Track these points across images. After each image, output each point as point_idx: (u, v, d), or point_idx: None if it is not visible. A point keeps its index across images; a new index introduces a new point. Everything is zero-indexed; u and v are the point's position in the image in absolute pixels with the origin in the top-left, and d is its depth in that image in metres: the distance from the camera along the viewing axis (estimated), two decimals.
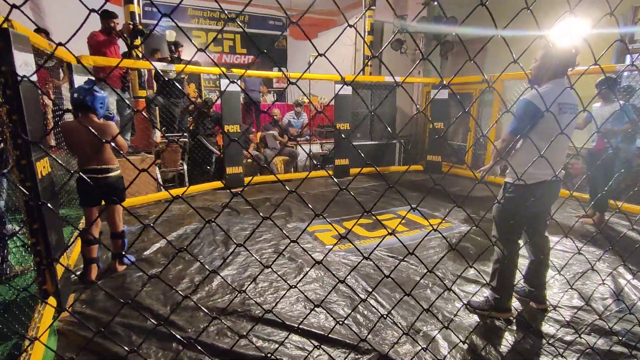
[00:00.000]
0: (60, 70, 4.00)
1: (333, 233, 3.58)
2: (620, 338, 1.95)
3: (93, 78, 3.44)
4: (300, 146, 6.27)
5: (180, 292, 1.09)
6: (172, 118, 5.34)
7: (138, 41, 4.45)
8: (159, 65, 4.78)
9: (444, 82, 1.13)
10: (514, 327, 2.15)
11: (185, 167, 5.10)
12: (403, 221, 3.98)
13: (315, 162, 6.38)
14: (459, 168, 6.55)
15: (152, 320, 1.02)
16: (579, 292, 1.94)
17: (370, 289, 2.51)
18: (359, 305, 2.34)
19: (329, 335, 2.01)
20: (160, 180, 4.93)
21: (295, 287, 1.16)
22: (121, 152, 0.89)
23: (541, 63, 2.04)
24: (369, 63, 6.68)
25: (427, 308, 1.42)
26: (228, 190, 5.09)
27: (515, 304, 2.38)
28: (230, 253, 3.06)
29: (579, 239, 3.45)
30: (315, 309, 2.28)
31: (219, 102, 5.61)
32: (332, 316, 1.30)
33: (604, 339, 2.02)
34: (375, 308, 2.33)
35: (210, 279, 2.63)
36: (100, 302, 2.35)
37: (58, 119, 3.60)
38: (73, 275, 2.50)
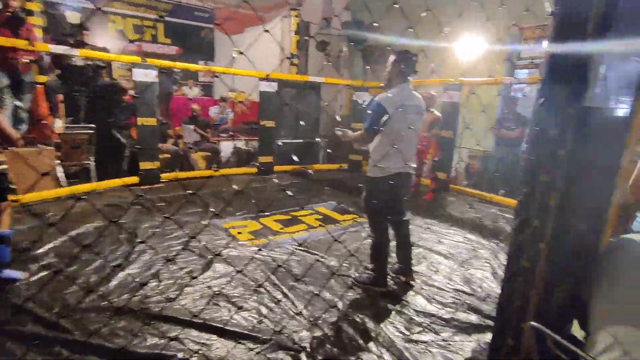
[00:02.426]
0: None
1: (248, 229, 3.58)
2: (487, 313, 2.26)
3: None
4: (230, 142, 6.14)
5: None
6: (77, 108, 4.88)
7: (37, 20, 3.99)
8: (60, 49, 4.33)
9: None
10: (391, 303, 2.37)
11: (91, 161, 4.70)
12: (319, 217, 4.11)
13: (252, 163, 6.29)
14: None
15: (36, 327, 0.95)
16: (467, 278, 2.20)
17: (277, 282, 2.57)
18: (264, 298, 2.39)
19: (229, 328, 2.02)
20: (61, 175, 4.47)
21: (196, 277, 1.15)
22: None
23: (390, 69, 2.37)
24: (295, 62, 6.75)
25: (317, 293, 1.50)
26: (141, 187, 4.80)
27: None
28: (131, 251, 2.92)
29: (470, 231, 3.88)
30: (219, 303, 2.28)
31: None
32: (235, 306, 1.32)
33: (476, 316, 2.32)
34: (281, 301, 2.39)
35: (108, 279, 2.48)
36: None
37: None
38: None
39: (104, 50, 5.27)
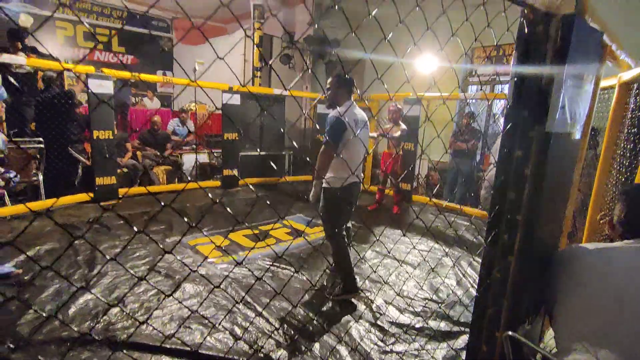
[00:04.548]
0: None
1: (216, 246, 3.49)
2: (455, 319, 2.36)
3: None
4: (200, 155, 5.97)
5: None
6: (23, 119, 4.53)
7: None
8: (5, 57, 4.02)
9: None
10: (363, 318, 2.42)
11: (40, 177, 4.37)
12: (288, 230, 4.10)
13: (216, 176, 6.14)
14: None
15: None
16: (432, 285, 2.29)
17: (250, 300, 2.53)
18: (237, 317, 2.34)
19: (203, 352, 1.96)
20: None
21: (171, 295, 1.11)
22: None
23: (333, 90, 2.57)
24: (258, 74, 6.75)
25: (295, 305, 1.50)
26: (97, 204, 4.52)
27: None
28: (95, 274, 2.75)
29: (434, 240, 4.04)
30: (191, 326, 2.20)
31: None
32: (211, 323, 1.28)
33: (445, 322, 2.42)
34: (255, 319, 2.35)
35: (67, 306, 2.31)
36: None
37: None
38: None
39: (48, 58, 4.94)
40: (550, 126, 1.08)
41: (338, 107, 2.55)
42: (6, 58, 4.01)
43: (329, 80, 2.63)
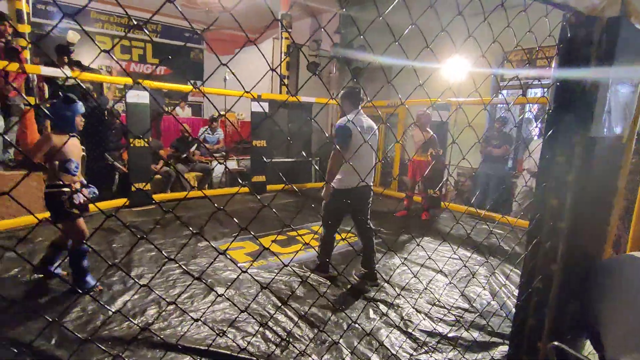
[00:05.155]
0: None
1: (246, 250, 3.56)
2: (490, 330, 2.29)
3: None
4: (222, 162, 6.13)
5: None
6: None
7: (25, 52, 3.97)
8: (51, 71, 4.29)
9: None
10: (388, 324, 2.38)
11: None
12: (316, 236, 4.12)
13: (241, 182, 6.28)
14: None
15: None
16: (465, 295, 2.24)
17: (280, 304, 2.55)
18: (268, 321, 2.37)
19: (237, 355, 2.00)
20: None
21: (223, 295, 1.16)
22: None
23: (341, 102, 2.96)
24: (286, 82, 6.87)
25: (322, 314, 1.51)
26: (133, 209, 4.72)
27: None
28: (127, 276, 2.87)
29: (464, 247, 3.95)
30: (224, 329, 2.25)
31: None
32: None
33: (480, 333, 2.35)
34: (285, 323, 2.37)
35: (107, 306, 2.42)
36: None
37: None
38: None
39: (95, 72, 5.25)
40: (596, 131, 1.05)
41: (347, 116, 2.77)
42: (51, 71, 4.28)
43: (340, 93, 2.94)
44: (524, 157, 5.53)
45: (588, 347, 1.54)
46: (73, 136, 2.56)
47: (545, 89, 5.28)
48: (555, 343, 0.98)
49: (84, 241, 0.87)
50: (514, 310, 1.38)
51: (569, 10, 1.00)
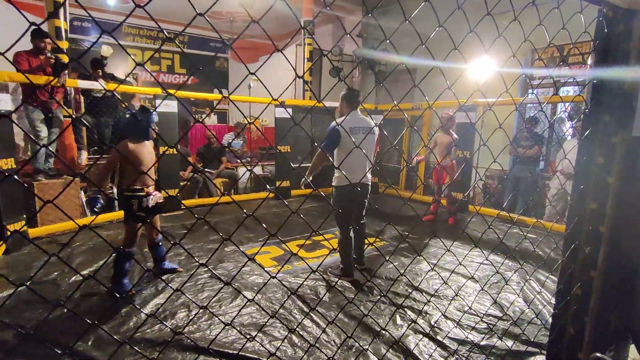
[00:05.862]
0: None
1: (271, 255, 3.59)
2: (525, 339, 2.20)
3: None
4: (247, 167, 6.23)
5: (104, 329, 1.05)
6: (103, 139, 5.04)
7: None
8: (89, 84, 4.52)
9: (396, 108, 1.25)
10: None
11: (115, 190, 4.80)
12: None
13: (269, 187, 6.36)
14: (394, 189, 6.91)
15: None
16: (498, 303, 2.16)
17: (306, 309, 2.56)
18: (295, 326, 2.37)
19: None
20: (85, 204, 4.58)
21: (252, 300, 1.17)
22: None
23: (340, 102, 3.06)
24: (308, 87, 6.92)
25: (364, 316, 1.50)
26: (163, 215, 4.86)
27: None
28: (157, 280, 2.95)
29: (494, 252, 3.82)
30: (251, 333, 2.27)
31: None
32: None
33: (514, 342, 2.26)
34: (311, 328, 2.37)
35: (139, 309, 2.49)
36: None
37: None
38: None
39: (128, 83, 5.48)
40: (638, 130, 1.00)
41: (343, 117, 2.95)
42: (87, 84, 4.50)
43: (340, 95, 3.07)
44: (557, 158, 5.31)
45: (632, 350, 1.45)
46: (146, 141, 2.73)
47: (581, 87, 5.06)
48: (598, 354, 0.93)
49: (132, 248, 0.90)
50: (550, 319, 1.32)
51: (605, 4, 0.96)
